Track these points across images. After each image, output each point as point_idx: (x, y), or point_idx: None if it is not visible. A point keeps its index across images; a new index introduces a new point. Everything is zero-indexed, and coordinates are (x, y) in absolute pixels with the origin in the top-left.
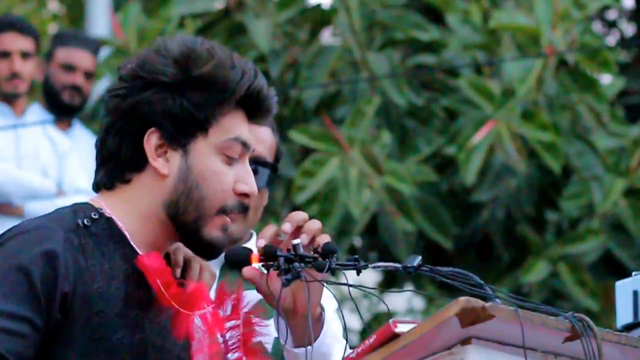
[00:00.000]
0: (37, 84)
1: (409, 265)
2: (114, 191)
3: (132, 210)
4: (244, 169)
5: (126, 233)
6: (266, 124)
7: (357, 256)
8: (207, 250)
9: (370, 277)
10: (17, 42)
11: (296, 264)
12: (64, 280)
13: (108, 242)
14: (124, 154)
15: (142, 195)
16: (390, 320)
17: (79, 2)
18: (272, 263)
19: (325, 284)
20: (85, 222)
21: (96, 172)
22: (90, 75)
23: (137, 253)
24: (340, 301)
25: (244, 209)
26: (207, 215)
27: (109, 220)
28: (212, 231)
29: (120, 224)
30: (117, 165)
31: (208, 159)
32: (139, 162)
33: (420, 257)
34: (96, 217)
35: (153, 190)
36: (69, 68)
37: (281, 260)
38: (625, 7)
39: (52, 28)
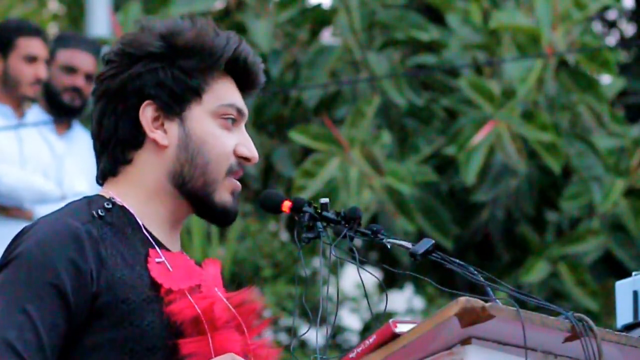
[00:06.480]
0: None
1: (417, 251)
2: (118, 177)
3: (140, 191)
4: (243, 135)
5: (139, 220)
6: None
7: (376, 227)
8: (222, 216)
9: (370, 276)
10: (43, 50)
11: (318, 224)
12: (89, 281)
13: (125, 229)
14: (122, 133)
15: (146, 171)
16: (390, 320)
17: (79, 2)
18: (300, 215)
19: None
20: (100, 212)
21: (98, 162)
22: (91, 77)
23: (152, 238)
24: (341, 301)
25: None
26: (216, 180)
27: (122, 208)
28: (223, 195)
29: (132, 210)
30: (116, 146)
31: (206, 124)
32: (138, 139)
33: (432, 242)
34: (109, 206)
35: (155, 164)
36: (70, 70)
37: (306, 216)
38: (625, 7)
39: (52, 28)
